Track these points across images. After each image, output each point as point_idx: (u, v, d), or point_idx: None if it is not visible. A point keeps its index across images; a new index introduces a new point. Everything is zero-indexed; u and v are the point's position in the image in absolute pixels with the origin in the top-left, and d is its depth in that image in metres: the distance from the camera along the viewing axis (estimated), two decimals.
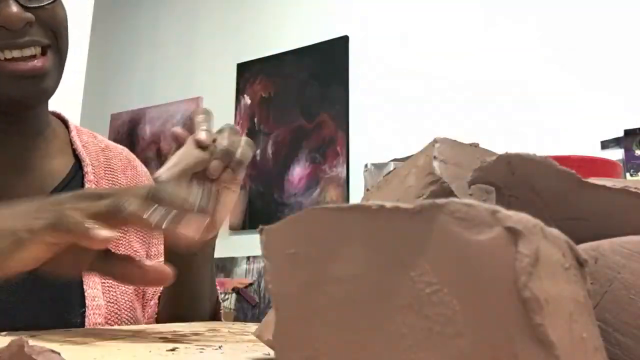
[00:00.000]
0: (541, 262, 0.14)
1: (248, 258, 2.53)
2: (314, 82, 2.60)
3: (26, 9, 0.60)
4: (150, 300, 0.76)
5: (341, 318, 0.17)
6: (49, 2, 0.63)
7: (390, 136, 2.34)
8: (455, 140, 0.31)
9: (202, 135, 0.56)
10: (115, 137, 3.00)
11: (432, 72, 2.31)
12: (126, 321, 0.69)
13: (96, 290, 0.66)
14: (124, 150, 0.83)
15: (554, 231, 0.16)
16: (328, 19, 2.62)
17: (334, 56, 2.57)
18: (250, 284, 2.47)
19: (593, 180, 0.26)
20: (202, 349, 0.36)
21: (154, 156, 2.98)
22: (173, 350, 0.36)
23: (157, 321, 0.73)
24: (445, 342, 0.15)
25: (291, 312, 0.18)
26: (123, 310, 0.69)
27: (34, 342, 0.26)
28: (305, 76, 2.62)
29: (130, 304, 0.71)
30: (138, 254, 0.74)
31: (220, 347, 0.37)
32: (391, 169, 0.65)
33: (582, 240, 0.23)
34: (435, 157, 0.29)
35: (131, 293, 0.72)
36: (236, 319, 2.38)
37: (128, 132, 3.03)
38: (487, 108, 2.17)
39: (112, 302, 0.68)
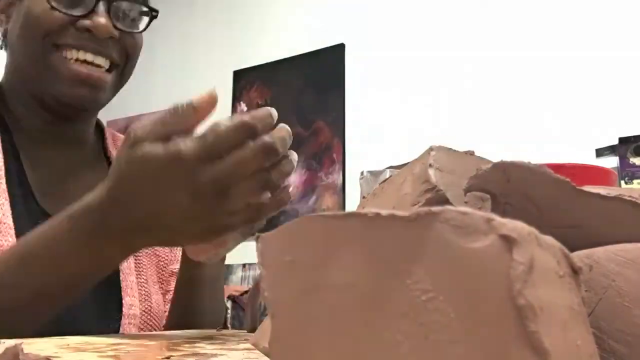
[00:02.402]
0: (536, 270, 0.14)
1: (244, 265, 2.52)
2: (310, 90, 2.60)
3: (114, 26, 0.64)
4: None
5: (337, 325, 0.17)
6: (135, 30, 0.68)
7: (386, 144, 2.34)
8: (450, 148, 0.31)
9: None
10: None
11: (428, 80, 2.32)
12: (158, 330, 0.70)
13: (133, 298, 0.68)
14: None
15: (549, 239, 0.16)
16: (324, 26, 2.63)
17: (330, 64, 2.58)
18: (246, 292, 2.46)
19: (588, 188, 0.26)
20: (198, 357, 0.36)
21: None
22: (168, 358, 0.35)
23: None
24: (441, 349, 0.15)
25: (287, 320, 0.18)
26: (155, 320, 0.70)
27: (29, 350, 0.26)
28: (302, 83, 2.63)
29: (162, 314, 0.73)
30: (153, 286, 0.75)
31: (215, 355, 0.37)
32: (387, 176, 0.65)
33: (577, 248, 0.23)
34: (431, 165, 0.29)
35: (162, 303, 0.74)
36: (232, 326, 2.37)
37: None
38: (482, 116, 2.18)
39: (147, 312, 0.69)
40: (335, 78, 2.55)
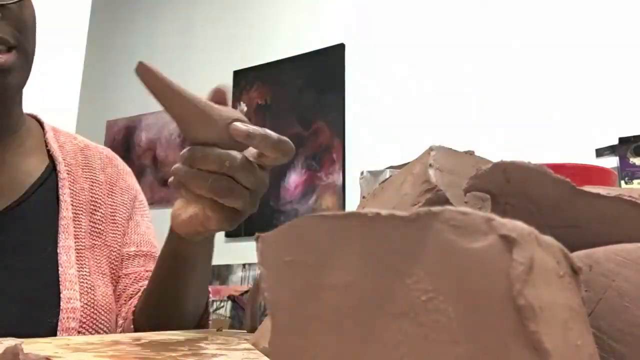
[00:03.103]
0: (536, 270, 0.14)
1: (244, 265, 2.52)
2: (310, 90, 2.60)
3: None
4: (129, 300, 0.74)
5: (337, 325, 0.17)
6: (14, 1, 0.63)
7: (386, 144, 2.34)
8: (450, 148, 0.31)
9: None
10: (111, 143, 2.99)
11: (428, 80, 2.32)
12: (103, 325, 0.67)
13: (73, 291, 0.65)
14: (105, 149, 0.83)
15: (549, 239, 0.16)
16: (324, 26, 2.63)
17: (330, 64, 2.58)
18: (246, 292, 2.46)
19: (588, 188, 0.26)
20: (198, 357, 0.36)
21: (149, 163, 2.97)
22: (168, 358, 0.35)
23: (134, 324, 0.71)
24: (441, 349, 0.15)
25: (287, 320, 0.18)
26: (100, 314, 0.67)
27: (29, 350, 0.26)
28: (302, 84, 2.63)
29: (109, 306, 0.69)
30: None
31: (215, 355, 0.37)
32: (387, 176, 0.65)
33: (577, 248, 0.23)
34: (430, 165, 0.29)
35: (110, 295, 0.71)
36: (232, 326, 2.37)
37: (124, 139, 3.03)
38: (482, 116, 2.18)
39: (89, 305, 0.66)
40: (335, 78, 2.55)
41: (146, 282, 0.73)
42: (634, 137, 1.41)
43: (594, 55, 2.02)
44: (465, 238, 0.15)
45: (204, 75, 2.90)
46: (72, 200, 0.71)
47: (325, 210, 2.16)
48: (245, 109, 2.80)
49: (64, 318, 0.63)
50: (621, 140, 1.42)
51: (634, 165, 1.37)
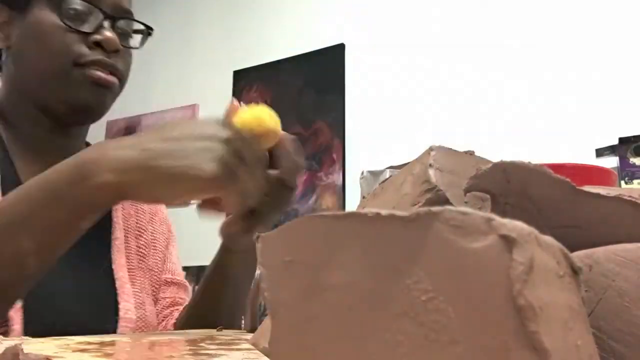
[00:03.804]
0: (535, 270, 0.14)
1: None
2: (310, 90, 2.60)
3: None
4: (162, 322, 0.80)
5: (337, 325, 0.17)
6: (134, 46, 0.75)
7: (386, 144, 2.34)
8: (450, 148, 0.31)
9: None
10: None
11: (428, 80, 2.32)
12: None
13: (129, 304, 0.72)
14: None
15: (549, 239, 0.16)
16: (324, 26, 2.63)
17: (330, 64, 2.58)
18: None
19: (587, 188, 0.26)
20: (198, 357, 0.36)
21: None
22: (168, 358, 0.35)
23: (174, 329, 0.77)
24: (441, 349, 0.15)
25: (287, 320, 0.18)
26: (149, 329, 0.73)
27: (29, 350, 0.26)
28: (302, 84, 2.63)
29: (154, 323, 0.76)
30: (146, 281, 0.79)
31: (215, 355, 0.37)
32: (387, 176, 0.65)
33: (577, 248, 0.23)
34: (430, 165, 0.29)
35: (154, 313, 0.78)
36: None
37: None
38: (483, 116, 2.18)
39: (141, 319, 0.73)
40: (335, 78, 2.55)
41: (178, 307, 0.81)
42: (634, 137, 1.41)
43: (594, 55, 2.02)
44: (465, 238, 0.15)
45: (204, 75, 2.90)
46: (123, 224, 0.78)
47: (325, 210, 2.16)
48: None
49: (122, 326, 0.69)
50: (621, 140, 1.41)
51: (634, 165, 1.37)
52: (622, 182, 1.34)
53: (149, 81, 3.00)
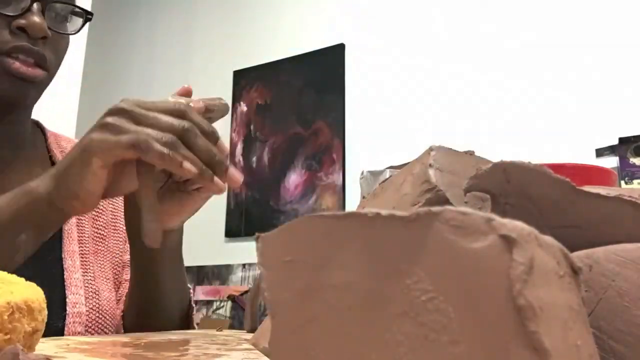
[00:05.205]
0: (536, 270, 0.14)
1: (244, 265, 2.52)
2: (310, 90, 2.60)
3: (47, 27, 0.65)
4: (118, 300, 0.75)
5: (337, 325, 0.17)
6: (68, 32, 0.69)
7: (386, 143, 2.34)
8: (450, 148, 0.31)
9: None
10: None
11: (428, 80, 2.32)
12: (107, 330, 0.68)
13: (78, 296, 0.66)
14: None
15: (549, 239, 0.16)
16: (324, 26, 2.63)
17: (330, 64, 2.58)
18: (246, 292, 2.46)
19: (587, 188, 0.26)
20: (198, 357, 0.36)
21: None
22: (168, 358, 0.35)
23: (124, 325, 0.72)
24: (441, 349, 0.15)
25: (287, 320, 0.18)
26: (106, 319, 0.68)
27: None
28: (302, 84, 2.63)
29: (113, 311, 0.70)
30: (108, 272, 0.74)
31: (215, 355, 0.37)
32: (387, 176, 0.65)
33: (577, 248, 0.23)
34: (430, 165, 0.29)
35: (114, 300, 0.72)
36: (232, 326, 2.37)
37: None
38: (483, 116, 2.18)
39: (95, 310, 0.67)
40: (335, 78, 2.55)
41: None
42: (634, 137, 1.41)
43: (594, 55, 2.02)
44: (465, 238, 0.15)
45: (204, 75, 2.90)
46: None
47: (325, 210, 2.16)
48: (245, 109, 2.79)
49: (70, 322, 0.64)
50: (621, 140, 1.42)
51: (634, 165, 1.37)
52: (622, 182, 1.34)
53: (149, 81, 3.00)
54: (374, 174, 0.69)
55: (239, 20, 2.89)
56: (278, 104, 2.64)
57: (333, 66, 2.56)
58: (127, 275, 0.75)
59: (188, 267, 1.62)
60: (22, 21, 0.63)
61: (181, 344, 0.44)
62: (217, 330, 0.66)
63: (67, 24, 0.69)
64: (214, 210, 2.52)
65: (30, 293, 0.31)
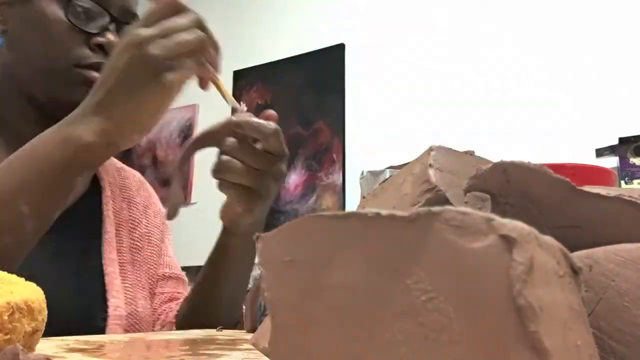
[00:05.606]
0: (535, 270, 0.14)
1: None
2: (310, 90, 2.60)
3: None
4: (159, 318, 0.78)
5: (337, 325, 0.17)
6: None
7: (386, 144, 2.34)
8: (450, 148, 0.31)
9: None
10: None
11: (428, 80, 2.32)
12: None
13: (119, 300, 0.70)
14: (137, 173, 0.89)
15: (549, 239, 0.16)
16: (324, 26, 2.63)
17: (330, 64, 2.58)
18: (247, 291, 2.45)
19: (587, 188, 0.26)
20: (198, 357, 0.36)
21: (149, 163, 2.97)
22: (168, 358, 0.35)
23: (175, 321, 0.76)
24: (441, 349, 0.15)
25: (287, 320, 0.18)
26: (142, 325, 0.72)
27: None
28: (302, 84, 2.63)
29: (149, 319, 0.75)
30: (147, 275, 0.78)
31: (215, 355, 0.37)
32: (387, 176, 0.65)
33: (577, 248, 0.23)
34: (430, 165, 0.29)
35: (149, 308, 0.76)
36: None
37: None
38: (483, 116, 2.18)
39: (132, 315, 0.71)
40: (335, 78, 2.55)
41: (178, 302, 0.79)
42: (634, 137, 1.41)
43: (594, 55, 2.02)
44: (465, 238, 0.15)
45: None
46: (114, 217, 0.76)
47: (325, 210, 2.16)
48: (245, 109, 2.79)
49: (111, 324, 0.68)
50: (621, 140, 1.42)
51: (634, 165, 1.37)
52: (622, 182, 1.34)
53: None
54: (374, 174, 0.69)
55: (239, 20, 2.89)
56: (278, 104, 2.64)
57: (333, 66, 2.56)
58: (161, 288, 0.80)
59: (188, 267, 1.62)
60: (101, 39, 0.67)
61: (181, 344, 0.44)
62: (217, 330, 0.66)
63: None
64: (214, 210, 2.51)
65: (30, 293, 0.31)
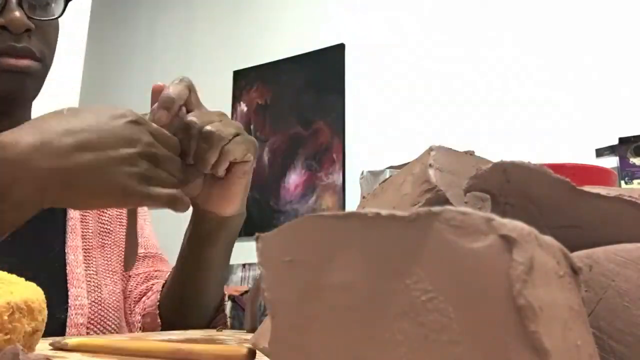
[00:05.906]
0: (536, 270, 0.14)
1: (244, 265, 2.52)
2: (311, 90, 2.60)
3: (28, 17, 0.62)
4: (141, 298, 0.76)
5: (337, 325, 0.17)
6: (51, 17, 0.66)
7: (386, 143, 2.34)
8: (450, 148, 0.31)
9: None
10: None
11: (428, 80, 2.32)
12: (110, 323, 0.69)
13: (80, 289, 0.68)
14: None
15: (548, 239, 0.16)
16: (324, 26, 2.63)
17: (330, 64, 2.58)
18: (246, 292, 2.46)
19: (587, 188, 0.26)
20: (199, 357, 0.36)
21: None
22: (168, 358, 0.35)
23: (160, 314, 0.73)
24: (441, 349, 0.15)
25: (287, 320, 0.18)
26: (108, 311, 0.70)
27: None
28: (302, 83, 2.63)
29: (117, 304, 0.72)
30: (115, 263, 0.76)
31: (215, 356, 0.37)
32: (387, 176, 0.65)
33: (577, 248, 0.23)
34: (430, 165, 0.29)
35: (119, 293, 0.73)
36: (232, 326, 2.36)
37: None
38: (483, 116, 2.18)
39: (96, 303, 0.68)
40: (335, 78, 2.55)
41: (157, 281, 0.77)
42: (634, 137, 1.41)
43: (594, 55, 2.02)
44: (465, 238, 0.15)
45: (204, 75, 2.90)
46: None
47: (325, 210, 2.15)
48: (245, 109, 2.79)
49: (72, 314, 0.65)
50: (621, 140, 1.42)
51: (634, 165, 1.37)
52: (622, 182, 1.34)
53: (149, 81, 3.00)
54: (374, 174, 0.69)
55: (239, 20, 2.89)
56: (278, 104, 2.64)
57: (333, 66, 2.56)
58: (136, 270, 0.77)
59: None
60: (0, 20, 0.60)
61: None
62: (217, 330, 0.66)
63: (52, 5, 0.66)
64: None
65: (30, 293, 0.31)
